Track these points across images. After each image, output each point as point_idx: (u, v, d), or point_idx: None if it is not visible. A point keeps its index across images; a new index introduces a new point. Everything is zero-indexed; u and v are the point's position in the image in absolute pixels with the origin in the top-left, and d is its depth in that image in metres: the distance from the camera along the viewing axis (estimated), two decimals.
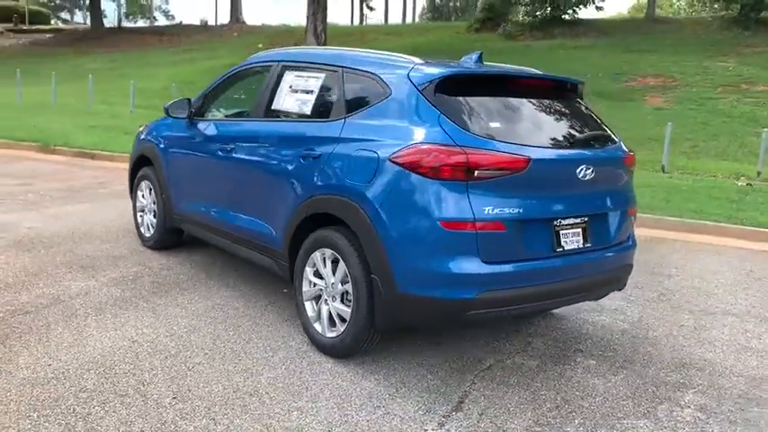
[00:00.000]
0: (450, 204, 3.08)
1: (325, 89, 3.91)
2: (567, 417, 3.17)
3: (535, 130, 3.53)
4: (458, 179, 3.09)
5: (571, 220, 3.42)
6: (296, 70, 4.19)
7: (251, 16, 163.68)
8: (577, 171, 3.36)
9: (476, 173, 3.09)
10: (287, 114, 4.13)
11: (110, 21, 44.27)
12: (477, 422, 3.05)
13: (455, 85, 3.40)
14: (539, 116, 3.67)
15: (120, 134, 12.82)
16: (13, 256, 5.08)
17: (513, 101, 3.56)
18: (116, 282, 4.62)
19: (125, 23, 47.50)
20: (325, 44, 20.60)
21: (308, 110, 3.96)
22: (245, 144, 4.29)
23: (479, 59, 3.80)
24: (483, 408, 3.20)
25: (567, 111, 3.82)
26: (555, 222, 3.36)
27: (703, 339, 4.26)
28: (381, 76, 3.56)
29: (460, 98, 3.38)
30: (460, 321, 3.35)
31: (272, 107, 4.23)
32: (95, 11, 39.02)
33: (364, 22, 51.52)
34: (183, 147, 5.04)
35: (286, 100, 4.18)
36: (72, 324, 3.82)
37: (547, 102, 3.72)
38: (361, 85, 3.69)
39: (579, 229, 3.46)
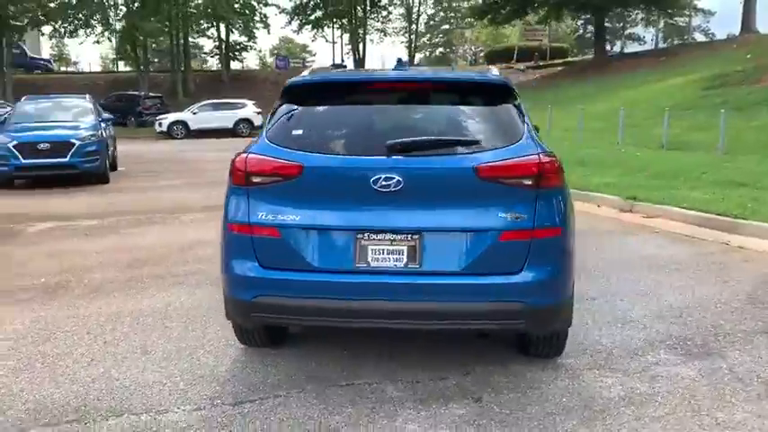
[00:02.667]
0: (235, 208, 3.24)
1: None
2: None
3: (353, 136, 3.26)
4: (242, 184, 3.23)
5: (384, 236, 2.99)
6: None
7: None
8: (372, 180, 2.95)
9: (254, 179, 3.13)
10: None
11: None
12: None
13: (303, 93, 3.45)
14: (373, 121, 3.35)
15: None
16: None
17: (360, 107, 3.37)
18: None
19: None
20: None
21: None
22: None
23: (399, 65, 3.62)
24: None
25: (423, 114, 3.29)
26: (360, 236, 3.02)
27: None
28: None
29: (299, 107, 3.40)
30: (255, 322, 3.35)
31: None
32: (599, 41, 40.94)
33: None
34: None
35: None
36: None
37: (403, 106, 3.31)
38: None
39: (403, 247, 3.02)
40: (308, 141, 3.25)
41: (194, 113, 29.39)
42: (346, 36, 50.85)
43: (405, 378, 3.51)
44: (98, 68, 58.53)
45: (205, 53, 56.35)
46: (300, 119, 3.39)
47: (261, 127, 21.68)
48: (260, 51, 65.60)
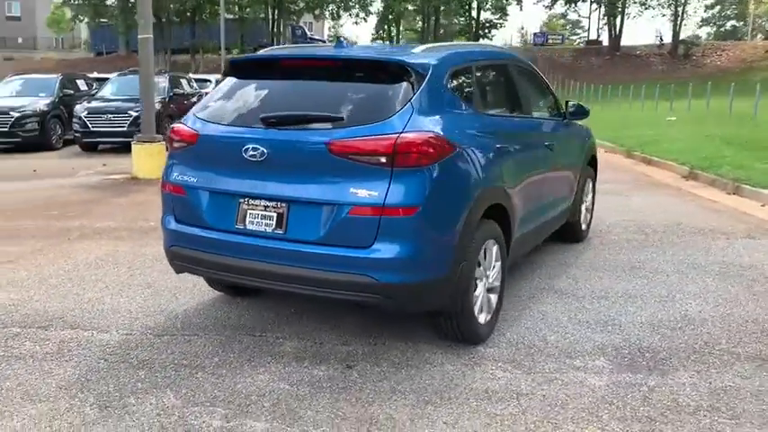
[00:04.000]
0: (166, 168, 3.80)
1: None
2: None
3: (246, 109, 3.55)
4: (168, 148, 3.82)
5: (260, 202, 3.35)
6: None
7: None
8: (243, 150, 3.30)
9: (174, 144, 3.70)
10: None
11: None
12: None
13: (236, 69, 3.86)
14: (271, 96, 3.60)
15: None
16: None
17: (268, 82, 3.65)
18: None
19: None
20: None
21: None
22: None
23: (338, 44, 3.86)
24: None
25: (317, 90, 3.49)
26: (242, 200, 3.40)
27: None
28: None
29: (231, 82, 3.80)
30: (177, 268, 3.86)
31: None
32: None
33: None
34: None
35: None
36: None
37: (304, 82, 3.55)
38: None
39: (273, 213, 3.33)
40: (216, 113, 3.59)
41: None
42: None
43: (312, 339, 3.74)
44: None
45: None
46: (223, 93, 3.72)
47: None
48: (521, 28, 64.79)
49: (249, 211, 3.36)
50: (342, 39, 3.78)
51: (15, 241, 5.96)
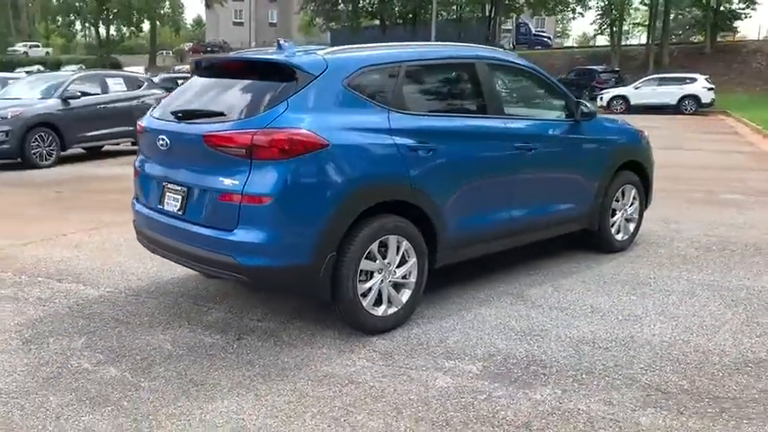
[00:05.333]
0: None
1: None
2: None
3: (175, 105, 4.05)
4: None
5: (172, 186, 3.92)
6: None
7: None
8: (157, 141, 3.90)
9: (138, 134, 4.39)
10: None
11: None
12: None
13: (195, 70, 4.37)
14: (193, 93, 4.06)
15: None
16: None
17: (198, 81, 4.15)
18: None
19: None
20: None
21: None
22: None
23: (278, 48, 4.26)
24: None
25: (222, 88, 3.89)
26: (164, 183, 3.96)
27: None
28: None
29: (191, 79, 4.33)
30: (141, 243, 4.46)
31: None
32: None
33: None
34: None
35: None
36: None
37: (232, 81, 3.93)
38: None
39: (179, 196, 3.81)
40: (160, 108, 4.12)
41: (636, 88, 28.59)
42: None
43: (237, 313, 4.16)
44: (592, 44, 60.39)
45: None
46: (176, 91, 4.29)
47: (710, 104, 20.54)
48: None
49: (167, 193, 3.88)
50: (280, 41, 4.10)
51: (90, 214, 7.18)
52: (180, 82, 17.09)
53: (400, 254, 3.86)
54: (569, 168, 4.98)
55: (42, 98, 11.85)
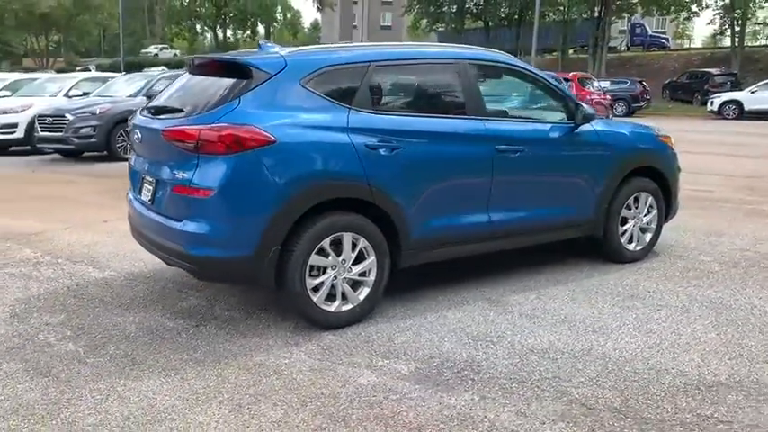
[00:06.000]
0: None
1: None
2: None
3: (156, 102, 4.32)
4: None
5: (147, 177, 4.15)
6: None
7: None
8: (134, 135, 4.19)
9: None
10: None
11: None
12: None
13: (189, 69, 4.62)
14: (173, 90, 4.28)
15: None
16: None
17: (185, 78, 4.33)
18: None
19: None
20: None
21: None
22: None
23: (260, 48, 4.46)
24: None
25: (192, 86, 4.09)
26: (143, 175, 4.20)
27: None
28: None
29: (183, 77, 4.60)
30: None
31: None
32: None
33: None
34: None
35: None
36: None
37: (205, 79, 4.14)
38: None
39: (150, 188, 4.06)
40: (148, 105, 4.41)
41: (752, 92, 26.58)
42: None
43: (211, 301, 4.35)
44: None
45: None
46: (166, 88, 4.53)
47: None
48: None
49: (144, 185, 4.12)
50: (261, 43, 4.25)
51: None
52: None
53: (356, 251, 3.89)
54: (566, 172, 4.80)
55: (131, 96, 12.76)
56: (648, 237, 5.39)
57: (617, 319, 4.11)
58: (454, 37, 48.41)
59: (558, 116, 4.85)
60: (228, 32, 54.03)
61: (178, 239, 3.68)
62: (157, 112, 4.02)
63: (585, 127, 4.82)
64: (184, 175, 3.61)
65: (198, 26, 50.20)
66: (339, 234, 3.81)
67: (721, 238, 6.18)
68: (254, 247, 3.59)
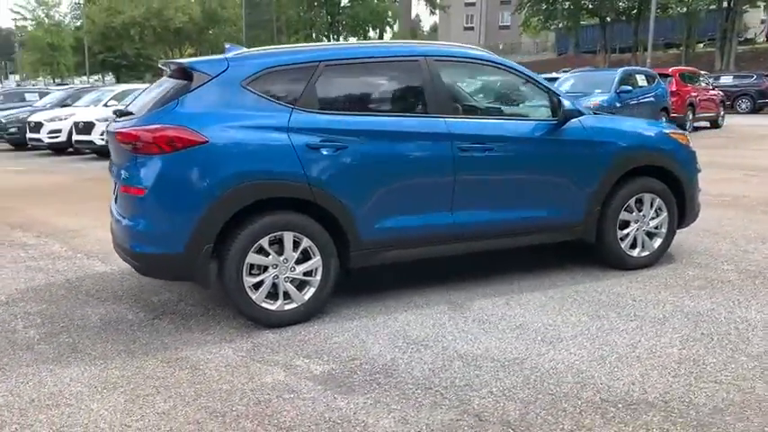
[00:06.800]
0: None
1: None
2: None
3: (131, 107, 4.52)
4: None
5: (113, 179, 4.34)
6: None
7: None
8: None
9: None
10: None
11: None
12: None
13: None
14: (145, 95, 4.46)
15: None
16: None
17: (164, 81, 4.54)
18: None
19: None
20: None
21: None
22: None
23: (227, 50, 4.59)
24: None
25: (159, 90, 4.24)
26: (113, 179, 4.33)
27: None
28: None
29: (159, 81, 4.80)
30: None
31: None
32: None
33: None
34: None
35: None
36: None
37: (165, 82, 4.30)
38: None
39: (114, 188, 4.32)
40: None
41: None
42: None
43: (179, 296, 4.53)
44: None
45: None
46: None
47: None
48: None
49: (115, 188, 4.36)
50: (226, 45, 4.36)
51: None
52: None
53: (299, 251, 3.90)
54: (547, 171, 4.52)
55: None
56: (658, 242, 4.96)
57: (576, 328, 3.83)
58: (569, 34, 46.89)
59: (541, 113, 4.59)
60: (341, 40, 55.53)
61: (125, 237, 3.87)
62: (121, 115, 4.25)
63: (573, 123, 4.53)
64: (128, 174, 3.79)
65: (313, 35, 51.96)
66: (279, 233, 3.84)
67: (760, 245, 5.56)
68: (184, 245, 3.70)
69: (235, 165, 3.73)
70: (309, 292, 3.97)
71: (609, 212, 4.71)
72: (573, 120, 4.52)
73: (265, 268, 3.87)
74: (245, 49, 4.28)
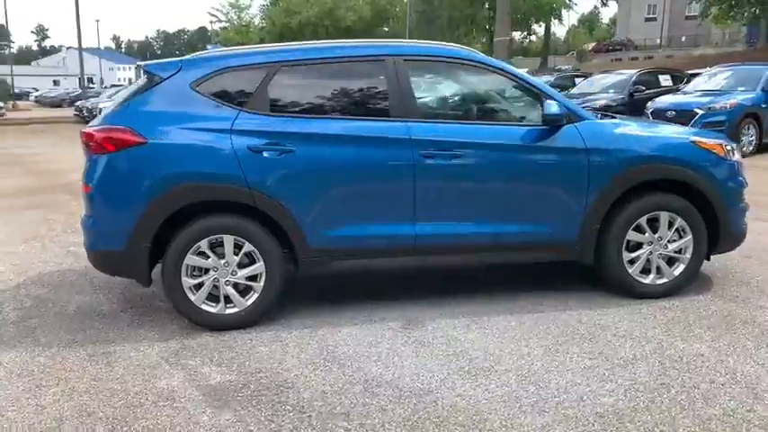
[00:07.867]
0: None
1: None
2: None
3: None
4: None
5: None
6: None
7: None
8: None
9: None
10: None
11: None
12: None
13: None
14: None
15: None
16: None
17: None
18: None
19: None
20: None
21: None
22: None
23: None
24: None
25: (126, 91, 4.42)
26: None
27: None
28: None
29: None
30: None
31: None
32: None
33: None
34: None
35: None
36: None
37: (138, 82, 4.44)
38: None
39: None
40: None
41: None
42: None
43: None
44: None
45: None
46: None
47: None
48: None
49: None
50: (209, 46, 4.39)
51: None
52: (577, 81, 19.02)
53: (240, 255, 3.85)
54: (531, 182, 4.05)
55: None
56: (680, 268, 4.26)
57: (519, 362, 3.41)
58: (755, 23, 41.95)
59: (532, 117, 4.12)
60: None
61: (83, 233, 4.06)
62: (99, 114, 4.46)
63: (567, 129, 4.02)
64: (84, 173, 3.96)
65: (473, 31, 51.48)
66: (219, 236, 3.81)
67: None
68: (125, 243, 3.79)
69: (174, 166, 3.75)
70: (253, 298, 3.90)
71: (612, 231, 4.12)
72: (568, 125, 4.01)
73: (206, 270, 3.86)
74: (222, 49, 4.29)
